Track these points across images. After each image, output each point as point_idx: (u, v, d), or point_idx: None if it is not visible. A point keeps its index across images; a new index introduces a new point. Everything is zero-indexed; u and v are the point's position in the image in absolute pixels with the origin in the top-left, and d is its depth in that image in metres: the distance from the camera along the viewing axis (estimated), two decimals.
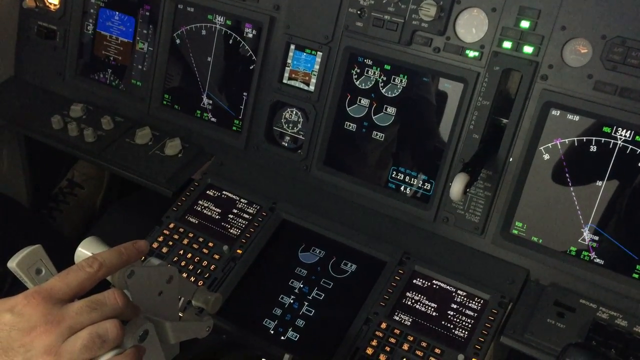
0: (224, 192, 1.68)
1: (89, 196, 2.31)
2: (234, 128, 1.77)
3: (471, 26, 1.42)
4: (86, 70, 2.00)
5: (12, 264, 0.95)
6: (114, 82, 1.96)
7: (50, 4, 2.02)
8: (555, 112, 1.35)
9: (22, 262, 0.94)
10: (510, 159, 1.40)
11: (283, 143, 1.69)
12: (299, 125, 1.66)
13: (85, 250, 0.93)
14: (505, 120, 1.42)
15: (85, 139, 1.83)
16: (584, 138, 1.33)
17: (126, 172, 1.76)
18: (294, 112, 1.66)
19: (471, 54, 1.42)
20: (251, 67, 1.71)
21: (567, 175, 1.35)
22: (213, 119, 1.80)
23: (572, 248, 1.37)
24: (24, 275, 0.95)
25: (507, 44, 1.38)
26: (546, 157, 1.37)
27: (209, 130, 1.80)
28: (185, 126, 1.83)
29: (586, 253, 1.36)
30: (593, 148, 1.33)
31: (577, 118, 1.34)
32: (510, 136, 1.40)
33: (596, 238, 1.35)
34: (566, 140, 1.35)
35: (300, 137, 1.66)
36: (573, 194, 1.35)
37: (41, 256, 0.97)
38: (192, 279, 1.49)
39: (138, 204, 2.13)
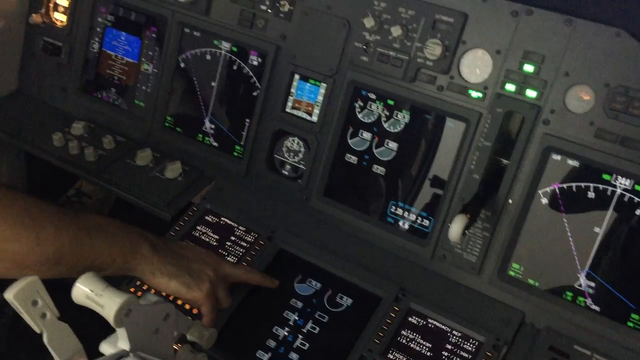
0: (222, 218, 1.68)
1: (96, 206, 2.30)
2: (235, 154, 1.77)
3: (475, 67, 1.43)
4: (90, 88, 2.01)
5: (9, 295, 0.94)
6: (117, 102, 1.96)
7: (57, 20, 2.02)
8: (556, 157, 1.36)
9: (19, 294, 0.94)
10: (510, 201, 1.41)
11: (283, 171, 1.70)
12: (300, 155, 1.67)
13: (83, 287, 0.93)
14: (505, 161, 1.42)
15: (86, 158, 1.83)
16: (583, 184, 1.34)
17: (125, 193, 1.76)
18: (296, 142, 1.67)
19: (474, 94, 1.43)
20: (255, 94, 1.72)
21: (564, 220, 1.36)
22: (214, 144, 1.80)
23: (568, 293, 1.37)
24: (21, 307, 0.95)
25: (510, 87, 1.39)
26: (544, 201, 1.38)
27: (210, 155, 1.80)
28: (186, 149, 1.83)
29: (582, 298, 1.36)
30: (592, 194, 1.33)
31: (577, 164, 1.34)
32: (510, 178, 1.40)
33: (592, 284, 1.35)
34: (565, 185, 1.35)
35: (301, 166, 1.67)
36: (570, 239, 1.36)
37: (38, 287, 0.96)
38: (187, 306, 1.48)
39: (135, 225, 2.13)
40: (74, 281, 0.97)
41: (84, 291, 0.92)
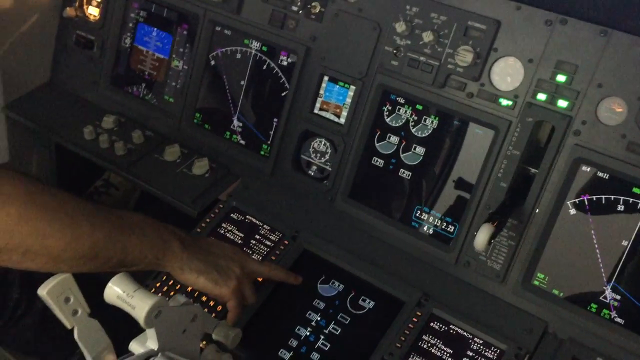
0: (247, 216, 1.69)
1: (123, 198, 2.33)
2: (262, 152, 1.78)
3: (506, 75, 1.42)
4: (120, 82, 2.03)
5: (42, 292, 0.97)
6: (147, 97, 1.99)
7: (90, 14, 2.05)
8: (586, 168, 1.35)
9: (52, 290, 0.97)
10: (537, 211, 1.40)
11: (310, 172, 1.71)
12: (327, 156, 1.68)
13: (115, 287, 0.95)
14: (534, 170, 1.42)
15: (115, 152, 1.86)
16: (612, 197, 1.33)
17: (153, 188, 1.78)
18: (323, 143, 1.68)
19: (504, 102, 1.42)
20: (283, 94, 1.73)
21: (592, 231, 1.35)
22: (242, 142, 1.82)
23: (593, 305, 1.36)
24: (53, 303, 0.97)
25: (541, 96, 1.38)
26: (572, 211, 1.37)
27: (237, 153, 1.81)
28: (214, 146, 1.85)
29: (607, 311, 1.36)
30: (621, 207, 1.32)
31: (607, 176, 1.33)
32: (538, 188, 1.40)
33: (618, 297, 1.34)
34: (594, 197, 1.34)
35: (327, 167, 1.68)
36: (597, 250, 1.35)
37: (70, 285, 0.99)
38: (212, 303, 1.50)
39: (160, 219, 2.15)
40: (104, 280, 0.99)
41: (116, 292, 0.95)
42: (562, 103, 1.37)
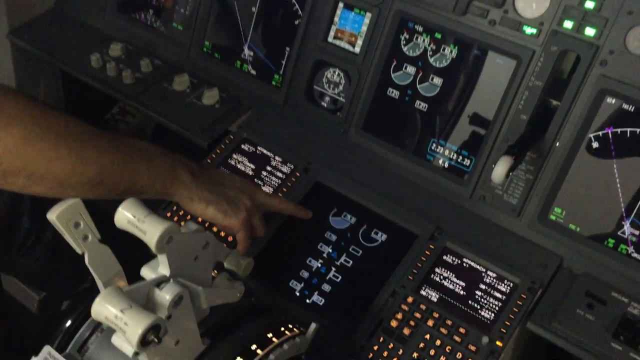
0: (259, 147, 1.66)
1: (140, 125, 2.31)
2: (274, 83, 1.73)
3: (532, 1, 1.35)
4: (127, 8, 1.97)
5: (52, 216, 0.95)
6: (155, 24, 1.93)
7: None
8: (610, 100, 1.30)
9: (62, 215, 0.95)
10: (557, 144, 1.36)
11: (322, 103, 1.66)
12: (340, 87, 1.63)
13: (126, 212, 0.93)
14: (556, 102, 1.37)
15: (123, 80, 1.82)
16: (638, 130, 1.28)
17: (162, 118, 1.75)
18: (337, 73, 1.62)
19: (528, 30, 1.36)
20: (296, 22, 1.66)
21: (614, 165, 1.31)
22: (253, 72, 1.77)
23: (610, 240, 1.34)
24: (63, 228, 0.96)
25: (567, 24, 1.32)
26: (594, 145, 1.33)
27: (247, 83, 1.77)
28: (224, 76, 1.80)
29: (624, 246, 1.33)
30: None
31: (632, 108, 1.28)
32: (560, 120, 1.35)
33: (636, 232, 1.32)
34: (618, 130, 1.30)
35: (341, 99, 1.63)
36: (618, 185, 1.31)
37: (80, 210, 0.97)
38: (222, 234, 1.49)
39: (172, 149, 2.12)
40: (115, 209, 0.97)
41: (127, 216, 0.93)
42: (590, 31, 1.30)
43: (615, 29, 1.28)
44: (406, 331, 1.32)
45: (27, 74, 2.08)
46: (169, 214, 1.54)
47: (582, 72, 1.32)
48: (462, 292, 1.37)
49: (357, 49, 1.58)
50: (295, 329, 1.13)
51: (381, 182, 1.56)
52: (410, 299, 1.36)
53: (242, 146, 1.67)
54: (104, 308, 0.85)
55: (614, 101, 1.30)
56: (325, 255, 1.46)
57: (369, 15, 1.55)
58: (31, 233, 1.44)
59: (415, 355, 1.29)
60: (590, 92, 1.31)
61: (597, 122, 1.32)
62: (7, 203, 1.41)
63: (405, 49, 1.52)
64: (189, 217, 1.53)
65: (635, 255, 1.32)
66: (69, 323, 1.13)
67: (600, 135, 1.32)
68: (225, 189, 1.33)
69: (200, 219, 1.49)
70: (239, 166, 1.63)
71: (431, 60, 1.49)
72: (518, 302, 1.33)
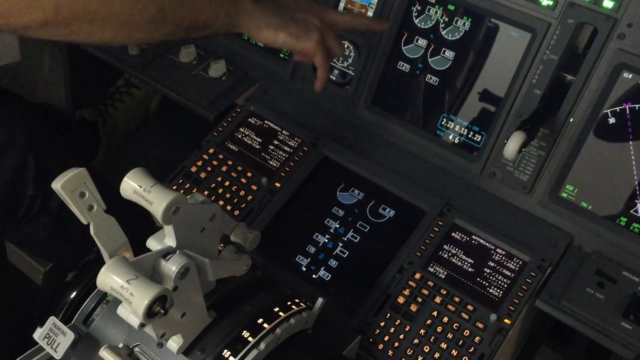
0: (266, 121, 1.64)
1: (144, 98, 2.28)
2: (282, 55, 1.70)
3: None
4: None
5: (56, 185, 0.93)
6: None
7: None
8: (627, 75, 1.27)
9: (67, 184, 0.93)
10: (571, 120, 1.33)
11: (331, 77, 1.63)
12: (350, 60, 1.60)
13: (131, 182, 0.91)
14: (571, 77, 1.34)
15: (129, 51, 1.79)
16: None
17: (168, 90, 1.72)
18: (346, 45, 1.59)
19: (545, 2, 1.32)
20: None
21: (630, 143, 1.28)
22: (260, 44, 1.73)
23: (623, 218, 1.32)
24: (67, 198, 0.94)
25: None
26: (610, 120, 1.30)
27: (255, 55, 1.74)
28: (231, 48, 1.77)
29: (636, 225, 1.31)
30: None
31: None
32: (575, 95, 1.32)
33: None
34: (636, 106, 1.27)
35: (350, 72, 1.60)
36: (633, 162, 1.29)
37: (85, 179, 0.95)
38: (229, 207, 1.48)
39: (178, 122, 2.11)
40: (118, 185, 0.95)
41: (133, 186, 0.91)
42: (608, 3, 1.27)
43: (635, 1, 1.24)
44: (413, 308, 1.31)
45: (32, 46, 2.05)
46: (174, 187, 1.52)
47: (598, 46, 1.28)
48: (470, 269, 1.35)
49: None
50: (301, 304, 1.12)
51: (390, 157, 1.53)
52: (417, 276, 1.34)
53: (249, 120, 1.65)
54: (110, 278, 0.84)
55: (630, 76, 1.27)
56: (332, 230, 1.45)
57: None
58: (36, 200, 1.43)
59: (422, 332, 1.27)
60: (607, 66, 1.28)
61: (613, 97, 1.29)
62: (11, 170, 1.40)
63: (416, 21, 1.49)
64: (195, 190, 1.51)
65: None
66: (74, 294, 1.12)
67: (617, 111, 1.29)
68: (291, 11, 1.26)
69: (206, 192, 1.48)
70: (246, 140, 1.61)
71: (443, 32, 1.46)
72: (527, 279, 1.32)
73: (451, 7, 1.44)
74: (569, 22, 1.30)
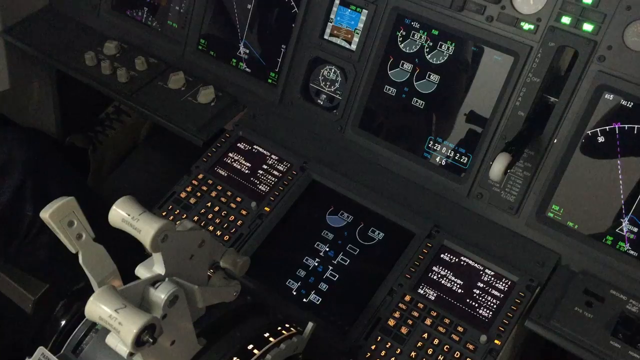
0: (255, 146, 1.65)
1: (134, 125, 2.29)
2: (270, 80, 1.72)
3: None
4: (122, 6, 1.95)
5: (45, 214, 0.94)
6: (150, 22, 1.91)
7: None
8: (609, 96, 1.29)
9: (55, 213, 0.94)
10: (555, 141, 1.35)
11: (319, 101, 1.65)
12: (337, 85, 1.62)
13: (120, 210, 0.91)
14: (554, 99, 1.36)
15: (118, 79, 1.80)
16: (636, 126, 1.27)
17: (157, 116, 1.73)
18: (333, 70, 1.61)
19: (526, 26, 1.35)
20: (292, 20, 1.65)
21: (612, 162, 1.30)
22: (248, 69, 1.75)
23: (609, 237, 1.33)
24: (56, 227, 0.95)
25: (565, 19, 1.31)
26: (593, 141, 1.32)
27: (243, 81, 1.75)
28: (220, 74, 1.79)
29: (622, 244, 1.32)
30: None
31: (631, 104, 1.27)
32: (558, 117, 1.34)
33: (635, 230, 1.31)
34: (617, 126, 1.29)
35: (337, 96, 1.62)
36: (619, 182, 1.31)
37: (74, 208, 0.96)
38: (218, 232, 1.48)
39: (168, 148, 2.12)
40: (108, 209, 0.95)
41: (121, 215, 0.91)
42: (587, 27, 1.29)
43: (613, 24, 1.27)
44: (404, 330, 1.31)
45: (21, 73, 2.06)
46: (164, 213, 1.53)
47: (580, 68, 1.31)
48: (460, 291, 1.36)
49: (353, 46, 1.57)
50: (292, 328, 1.12)
51: (378, 180, 1.55)
52: (407, 298, 1.35)
53: (238, 144, 1.66)
54: (98, 308, 0.84)
55: (612, 97, 1.29)
56: (322, 253, 1.45)
57: (365, 12, 1.54)
58: (36, 220, 1.44)
59: (413, 354, 1.28)
60: (588, 88, 1.30)
61: (595, 118, 1.31)
62: (10, 190, 1.40)
63: (402, 45, 1.51)
64: (184, 216, 1.51)
65: (632, 252, 1.31)
66: (63, 323, 1.12)
67: (599, 131, 1.31)
68: None
69: (195, 218, 1.48)
70: (235, 165, 1.62)
71: (428, 57, 1.48)
72: (516, 300, 1.32)
73: (435, 32, 1.47)
74: (550, 45, 1.32)
